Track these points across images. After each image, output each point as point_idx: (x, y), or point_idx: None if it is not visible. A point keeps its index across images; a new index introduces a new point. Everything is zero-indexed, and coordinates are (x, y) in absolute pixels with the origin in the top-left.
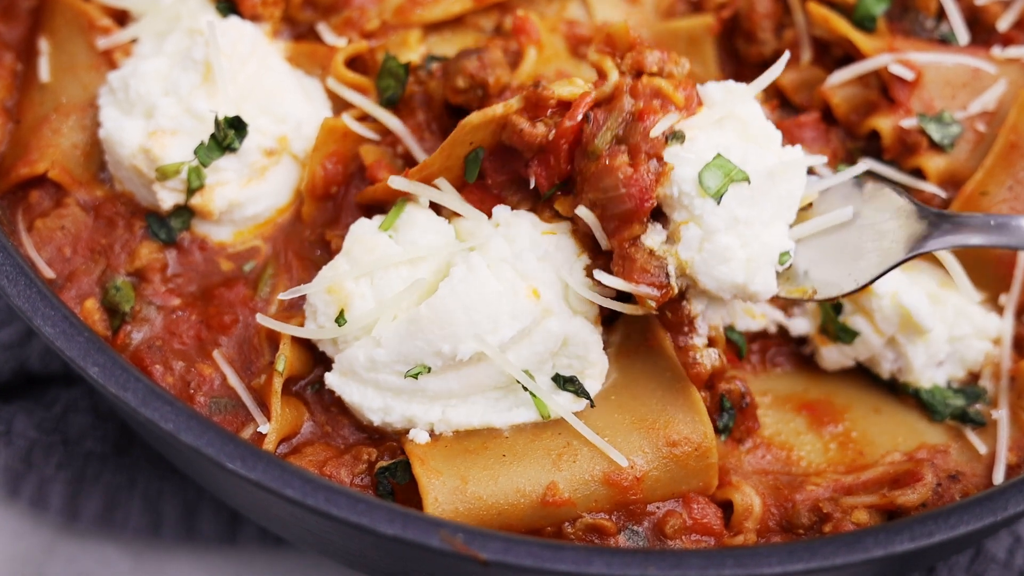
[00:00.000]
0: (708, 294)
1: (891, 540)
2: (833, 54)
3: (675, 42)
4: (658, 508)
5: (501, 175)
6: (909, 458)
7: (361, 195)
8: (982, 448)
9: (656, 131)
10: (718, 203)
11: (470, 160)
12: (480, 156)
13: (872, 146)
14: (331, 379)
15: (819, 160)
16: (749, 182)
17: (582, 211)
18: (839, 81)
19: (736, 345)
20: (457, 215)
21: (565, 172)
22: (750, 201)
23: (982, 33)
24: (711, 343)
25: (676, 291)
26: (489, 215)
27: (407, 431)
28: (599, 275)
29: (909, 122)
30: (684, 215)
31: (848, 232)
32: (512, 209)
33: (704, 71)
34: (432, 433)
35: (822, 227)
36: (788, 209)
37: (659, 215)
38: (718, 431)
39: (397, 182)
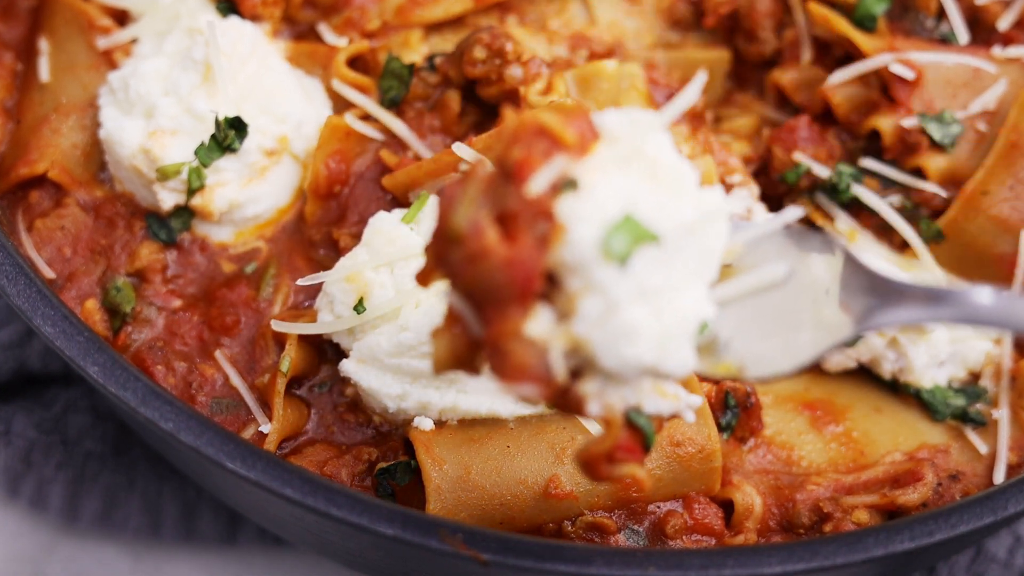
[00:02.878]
0: (608, 374)
1: (891, 539)
2: (834, 54)
3: (688, 68)
4: (659, 507)
5: None
6: (910, 458)
7: (391, 178)
8: (983, 448)
9: (537, 186)
10: (624, 270)
11: None
12: None
13: (872, 146)
14: (348, 366)
15: (743, 205)
16: (661, 243)
17: (451, 298)
18: (839, 81)
19: (642, 432)
20: None
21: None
22: (663, 264)
23: (982, 33)
24: (605, 427)
25: (562, 381)
26: None
27: (415, 423)
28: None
29: (910, 121)
30: (581, 283)
31: (781, 295)
32: None
33: (708, 98)
34: (438, 422)
35: (748, 288)
36: (708, 267)
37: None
38: (720, 429)
39: (461, 149)
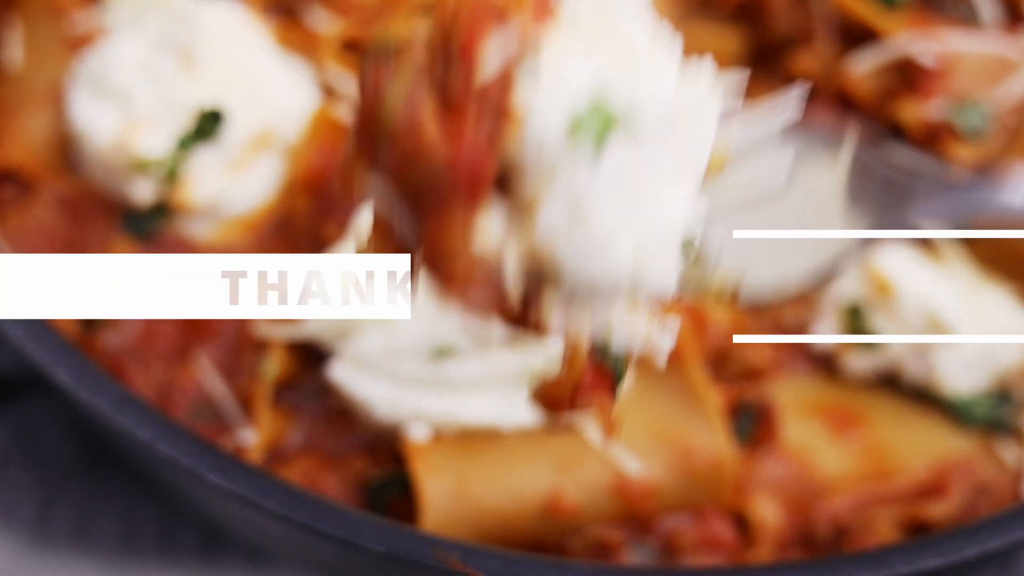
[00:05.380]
0: (574, 292)
1: (918, 556)
2: (852, 33)
3: (700, 54)
4: (668, 521)
5: None
6: (934, 468)
7: None
8: (1012, 457)
9: (487, 69)
10: (596, 162)
11: None
12: None
13: (895, 131)
14: (338, 372)
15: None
16: (638, 131)
17: (376, 198)
18: (859, 65)
19: (608, 371)
20: None
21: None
22: (640, 158)
23: (1010, 16)
24: (569, 359)
25: (519, 299)
26: None
27: (408, 432)
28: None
29: (934, 108)
30: (542, 184)
31: (782, 205)
32: None
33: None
34: (434, 432)
35: (741, 197)
36: (693, 168)
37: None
38: (734, 435)
39: None
